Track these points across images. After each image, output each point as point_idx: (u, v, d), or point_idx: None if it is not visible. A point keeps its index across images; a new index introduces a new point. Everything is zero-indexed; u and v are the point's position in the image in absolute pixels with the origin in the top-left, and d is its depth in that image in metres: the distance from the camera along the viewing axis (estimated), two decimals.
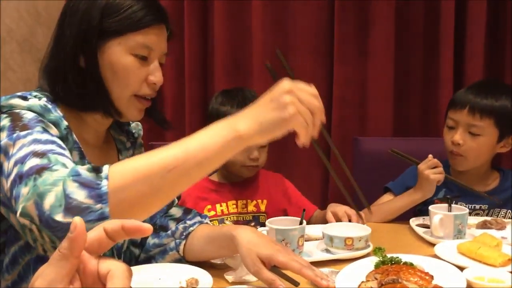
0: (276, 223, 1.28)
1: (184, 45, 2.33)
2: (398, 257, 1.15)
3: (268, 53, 2.29)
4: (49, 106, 1.02)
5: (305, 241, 1.30)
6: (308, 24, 2.30)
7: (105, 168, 0.84)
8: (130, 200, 0.83)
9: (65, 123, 1.03)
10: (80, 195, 0.81)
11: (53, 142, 0.94)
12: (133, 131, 1.29)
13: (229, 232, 1.11)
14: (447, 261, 1.19)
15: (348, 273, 1.10)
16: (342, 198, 1.55)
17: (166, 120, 1.25)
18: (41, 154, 0.88)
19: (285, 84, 0.91)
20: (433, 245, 1.39)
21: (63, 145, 0.97)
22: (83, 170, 0.83)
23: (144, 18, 1.05)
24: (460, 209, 1.46)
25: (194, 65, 2.35)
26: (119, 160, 1.21)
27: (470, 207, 1.67)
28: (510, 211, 1.68)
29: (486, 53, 2.27)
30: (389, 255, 1.16)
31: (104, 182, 0.82)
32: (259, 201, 1.72)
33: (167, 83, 2.36)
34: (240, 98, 1.67)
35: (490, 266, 1.18)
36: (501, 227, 1.50)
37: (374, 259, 1.17)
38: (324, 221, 1.51)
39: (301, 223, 1.28)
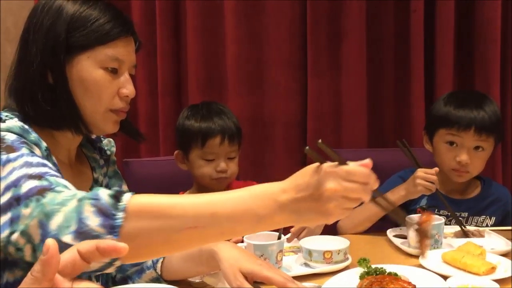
0: (254, 238, 1.26)
1: (157, 59, 2.31)
2: (382, 268, 1.15)
3: (242, 66, 2.30)
4: (26, 126, 0.99)
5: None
6: (281, 38, 2.31)
7: (125, 198, 0.80)
8: (140, 243, 0.80)
9: (44, 144, 1.00)
10: (94, 222, 0.78)
11: (44, 165, 0.91)
12: (105, 148, 1.27)
13: (209, 248, 1.09)
14: (431, 271, 1.20)
15: (335, 286, 1.10)
16: None
17: (139, 133, 1.23)
18: (38, 177, 0.86)
19: (328, 182, 0.79)
20: (411, 255, 1.40)
21: (53, 167, 0.94)
22: (104, 195, 0.80)
23: (112, 31, 1.04)
24: (437, 219, 1.48)
25: (168, 80, 2.33)
26: (93, 178, 1.18)
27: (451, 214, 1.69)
28: (488, 217, 1.71)
29: (456, 63, 2.31)
30: (373, 266, 1.17)
31: (120, 215, 0.78)
32: None
33: (140, 99, 2.34)
34: (205, 112, 1.66)
35: (474, 275, 1.19)
36: (480, 236, 1.53)
37: (359, 270, 1.17)
38: None
39: (279, 237, 1.27)
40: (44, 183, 0.85)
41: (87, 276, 1.07)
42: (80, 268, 0.53)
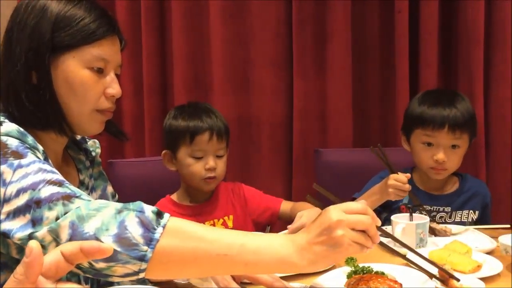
0: None
1: (142, 59, 2.30)
2: (369, 267, 1.16)
3: (227, 66, 2.29)
4: (21, 129, 0.97)
5: None
6: (267, 38, 2.32)
7: (166, 217, 0.86)
8: (172, 260, 0.85)
9: (40, 147, 0.99)
10: (136, 231, 0.82)
11: (56, 172, 0.93)
12: (91, 149, 1.25)
13: None
14: (417, 269, 1.21)
15: (322, 285, 1.10)
16: None
17: (122, 132, 1.22)
18: (58, 183, 0.88)
19: (333, 214, 0.88)
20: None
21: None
22: (148, 209, 0.85)
23: (98, 30, 1.03)
24: (421, 218, 1.49)
25: (153, 79, 2.32)
26: (79, 180, 1.17)
27: (434, 209, 1.73)
28: (472, 211, 1.75)
29: (440, 63, 2.33)
30: (360, 265, 1.17)
31: (160, 230, 0.84)
32: (226, 218, 1.69)
33: (125, 99, 2.32)
34: (192, 110, 1.65)
35: (460, 273, 1.20)
36: (445, 235, 1.54)
37: (346, 269, 1.17)
38: (294, 215, 1.52)
39: None
40: (66, 190, 0.87)
41: (76, 278, 1.06)
42: (64, 270, 0.52)
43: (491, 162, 2.36)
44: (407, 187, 1.56)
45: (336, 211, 0.88)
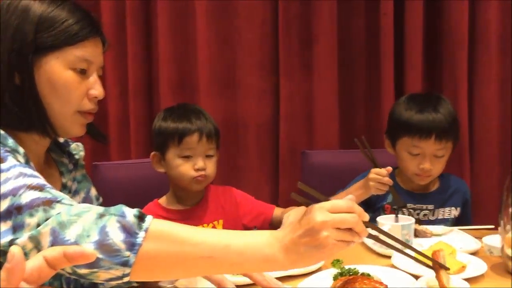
0: None
1: (127, 61, 2.28)
2: (355, 268, 1.16)
3: (213, 68, 2.29)
4: (2, 132, 0.96)
5: None
6: (253, 39, 2.32)
7: (148, 220, 0.85)
8: (156, 264, 0.85)
9: (21, 149, 0.98)
10: (117, 236, 0.82)
11: (38, 176, 0.91)
12: (74, 152, 1.24)
13: None
14: (403, 271, 1.22)
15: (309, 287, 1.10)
16: None
17: (102, 134, 1.21)
18: (38, 188, 0.87)
19: (317, 215, 0.85)
20: (382, 255, 1.41)
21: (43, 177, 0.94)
22: (129, 213, 0.84)
23: (81, 31, 1.03)
24: (406, 219, 1.50)
25: (138, 81, 2.31)
26: (62, 183, 1.16)
27: (418, 207, 1.76)
28: (454, 208, 1.79)
29: (424, 65, 2.35)
30: (347, 267, 1.17)
31: (142, 234, 0.83)
32: (215, 222, 1.66)
33: (110, 100, 2.31)
34: (182, 112, 1.64)
35: None
36: (425, 235, 1.55)
37: (332, 271, 1.18)
38: None
39: None
40: (47, 195, 0.86)
41: (58, 283, 1.05)
42: (46, 275, 0.51)
43: (475, 163, 2.39)
44: (387, 179, 1.58)
45: (320, 212, 0.85)
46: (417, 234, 1.55)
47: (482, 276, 1.24)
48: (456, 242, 1.49)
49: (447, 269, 1.08)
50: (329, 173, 2.09)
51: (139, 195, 1.72)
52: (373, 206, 1.76)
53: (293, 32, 2.31)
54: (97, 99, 1.08)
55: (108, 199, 1.75)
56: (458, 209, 1.80)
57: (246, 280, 1.21)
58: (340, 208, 0.86)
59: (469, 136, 2.35)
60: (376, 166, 1.61)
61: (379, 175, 1.58)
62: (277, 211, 1.69)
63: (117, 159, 2.28)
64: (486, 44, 2.32)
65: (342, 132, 2.38)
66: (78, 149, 1.26)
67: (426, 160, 1.66)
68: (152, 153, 1.65)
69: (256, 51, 2.33)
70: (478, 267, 1.27)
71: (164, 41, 2.27)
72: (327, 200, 0.89)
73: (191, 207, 1.67)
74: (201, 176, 1.59)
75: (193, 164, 1.58)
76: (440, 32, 2.35)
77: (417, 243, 1.49)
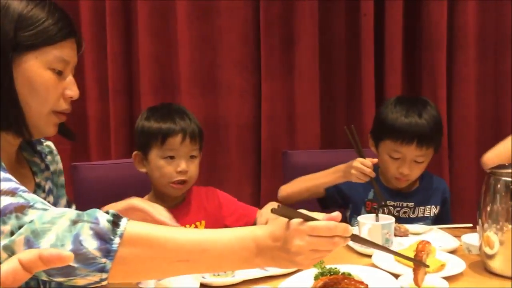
0: None
1: (107, 60, 2.26)
2: (336, 268, 1.16)
3: (194, 68, 2.28)
4: None
5: None
6: (234, 39, 2.31)
7: (123, 224, 0.85)
8: (132, 268, 0.86)
9: None
10: (91, 245, 0.81)
11: (10, 179, 0.90)
12: (46, 150, 1.22)
13: None
14: (383, 270, 1.22)
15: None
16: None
17: (70, 131, 1.20)
18: (10, 193, 0.86)
19: (295, 240, 0.86)
20: (363, 254, 1.42)
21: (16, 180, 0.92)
22: (103, 219, 0.84)
23: (60, 32, 1.02)
24: (387, 218, 1.51)
25: (119, 81, 2.28)
26: (35, 183, 1.14)
27: (398, 204, 1.78)
28: (434, 206, 1.81)
29: (404, 66, 2.37)
30: (328, 266, 1.17)
31: (117, 240, 0.83)
32: (198, 223, 1.65)
33: (90, 101, 2.28)
34: (165, 111, 1.61)
35: None
36: (404, 234, 1.57)
37: (313, 271, 1.18)
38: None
39: None
40: (20, 200, 0.85)
41: (35, 283, 1.03)
42: (21, 278, 0.50)
43: (454, 162, 2.42)
44: (370, 171, 1.60)
45: (299, 236, 0.86)
46: (396, 233, 1.56)
47: (460, 274, 1.26)
48: (435, 241, 1.51)
49: (426, 266, 1.09)
50: (310, 173, 2.10)
51: (119, 195, 1.68)
52: (354, 202, 1.80)
53: (274, 32, 2.31)
54: (72, 99, 1.08)
55: (87, 200, 1.73)
56: (438, 207, 1.83)
57: (230, 281, 1.21)
58: (319, 231, 0.86)
59: (448, 136, 2.38)
60: (361, 156, 1.63)
61: (364, 165, 1.60)
62: (259, 214, 1.67)
63: (97, 160, 2.26)
64: (464, 45, 2.35)
65: (323, 132, 2.39)
66: (49, 149, 1.24)
67: (406, 165, 1.69)
68: (134, 153, 1.63)
69: (238, 51, 2.33)
70: (456, 265, 1.29)
71: (144, 40, 2.25)
72: (312, 219, 0.87)
73: (173, 208, 1.63)
74: (181, 182, 1.57)
75: (176, 165, 1.56)
76: (419, 33, 2.37)
77: (398, 242, 1.51)
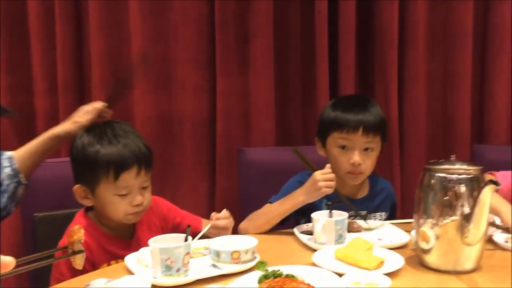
0: (159, 241, 1.22)
1: (56, 55, 2.18)
2: (279, 270, 1.15)
3: (148, 64, 2.23)
4: None
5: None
6: (188, 35, 2.28)
7: None
8: None
9: None
10: None
11: None
12: None
13: None
14: (326, 269, 1.22)
15: None
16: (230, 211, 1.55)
17: (5, 109, 1.13)
18: None
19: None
20: (303, 254, 1.42)
21: None
22: None
23: None
24: (340, 214, 1.52)
25: (69, 76, 2.21)
26: None
27: (351, 213, 1.73)
28: (384, 213, 1.81)
29: (357, 62, 2.40)
30: (271, 268, 1.17)
31: None
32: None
33: (38, 96, 2.20)
34: (110, 135, 1.42)
35: (365, 270, 1.22)
36: (357, 230, 1.60)
37: (257, 273, 1.17)
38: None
39: (186, 240, 1.24)
40: None
41: None
42: None
43: (405, 160, 2.47)
44: (332, 175, 1.58)
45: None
46: (350, 229, 1.58)
47: (400, 270, 1.25)
48: (387, 235, 1.55)
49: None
50: (265, 170, 2.10)
51: (68, 196, 1.63)
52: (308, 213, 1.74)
53: (229, 29, 2.30)
54: None
55: (36, 202, 1.66)
56: (387, 213, 1.83)
57: (182, 281, 1.19)
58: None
59: (399, 133, 2.43)
60: (314, 171, 1.59)
61: (324, 173, 1.57)
62: (204, 223, 1.59)
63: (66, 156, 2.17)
64: (415, 44, 2.40)
65: (278, 130, 2.40)
66: None
67: (355, 153, 1.69)
68: (76, 186, 1.44)
69: (192, 47, 2.29)
70: (395, 261, 1.28)
71: (96, 36, 2.19)
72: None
73: (128, 239, 1.51)
74: (137, 212, 1.45)
75: (131, 200, 1.41)
76: (372, 32, 2.41)
77: (350, 237, 1.52)
